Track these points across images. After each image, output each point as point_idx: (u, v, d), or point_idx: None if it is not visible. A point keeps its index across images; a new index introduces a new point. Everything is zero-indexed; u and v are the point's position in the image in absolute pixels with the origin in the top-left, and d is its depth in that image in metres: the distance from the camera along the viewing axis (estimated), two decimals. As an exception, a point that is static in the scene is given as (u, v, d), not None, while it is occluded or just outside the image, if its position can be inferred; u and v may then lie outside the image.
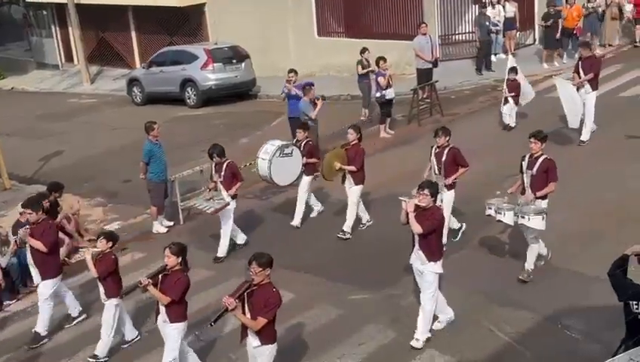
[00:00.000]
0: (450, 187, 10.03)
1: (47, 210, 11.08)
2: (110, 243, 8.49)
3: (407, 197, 8.02)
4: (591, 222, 10.61)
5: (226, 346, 8.47)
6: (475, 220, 10.49)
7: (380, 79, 15.61)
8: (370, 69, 16.78)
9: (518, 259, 9.47)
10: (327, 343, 8.39)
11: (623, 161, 12.69)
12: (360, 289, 9.52)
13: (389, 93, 15.72)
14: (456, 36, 22.12)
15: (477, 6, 20.86)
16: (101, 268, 8.34)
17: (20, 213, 10.28)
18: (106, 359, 8.60)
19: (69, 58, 30.23)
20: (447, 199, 10.03)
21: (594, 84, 13.61)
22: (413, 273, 8.25)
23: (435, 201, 7.98)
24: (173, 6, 25.03)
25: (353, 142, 10.97)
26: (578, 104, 13.56)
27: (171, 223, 12.64)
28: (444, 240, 10.16)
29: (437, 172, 10.00)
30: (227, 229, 10.99)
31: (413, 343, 8.05)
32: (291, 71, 15.19)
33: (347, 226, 11.15)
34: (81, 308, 9.72)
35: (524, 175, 9.19)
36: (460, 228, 10.54)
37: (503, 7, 20.98)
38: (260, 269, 6.67)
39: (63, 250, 11.30)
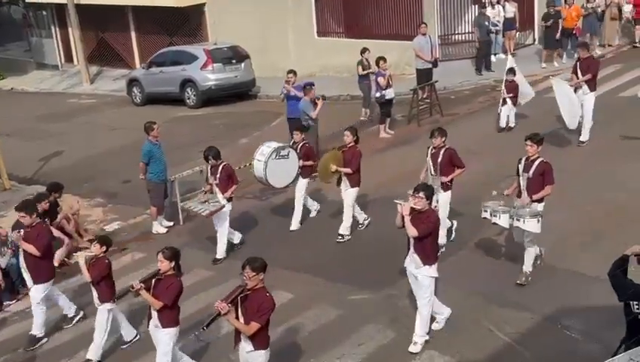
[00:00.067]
0: (446, 188, 10.01)
1: (46, 211, 11.16)
2: (104, 248, 8.44)
3: (403, 200, 8.00)
4: (591, 222, 10.60)
5: (225, 347, 8.43)
6: (474, 221, 10.46)
7: (380, 79, 15.61)
8: (370, 70, 16.77)
9: (518, 260, 9.46)
10: (326, 343, 8.39)
11: (623, 161, 12.68)
12: (359, 289, 9.52)
13: (389, 93, 15.72)
14: (456, 36, 22.13)
15: (477, 6, 20.87)
16: (94, 272, 8.28)
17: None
18: None
19: (69, 58, 30.23)
20: (443, 200, 10.02)
21: (592, 84, 13.58)
22: (408, 277, 8.20)
23: (430, 204, 7.94)
24: (172, 6, 25.03)
25: (350, 144, 10.95)
26: (576, 105, 13.52)
27: (171, 223, 12.64)
28: (443, 240, 10.22)
29: (433, 173, 9.98)
30: (224, 231, 10.98)
31: (412, 348, 8.02)
32: (290, 72, 15.17)
33: (344, 229, 11.13)
34: (76, 307, 9.70)
35: (521, 178, 9.17)
36: (452, 226, 10.48)
37: (503, 7, 21.00)
38: (254, 274, 6.62)
39: (62, 251, 11.31)
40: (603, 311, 7.90)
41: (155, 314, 7.43)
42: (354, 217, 11.24)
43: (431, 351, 8.01)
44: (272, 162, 11.25)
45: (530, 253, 9.17)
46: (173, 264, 7.39)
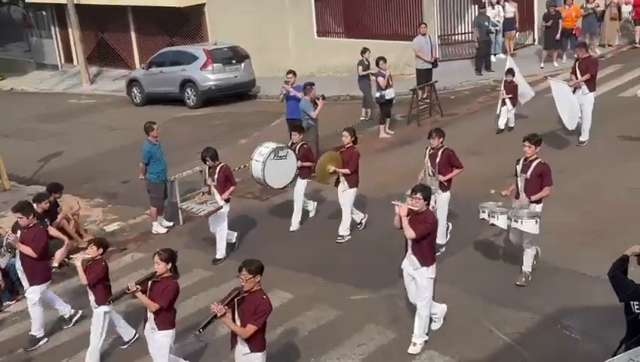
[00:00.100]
0: (445, 188, 10.00)
1: (46, 211, 11.16)
2: (101, 250, 8.37)
3: (401, 201, 7.98)
4: (591, 222, 10.60)
5: (226, 347, 8.44)
6: (474, 221, 10.43)
7: (380, 79, 15.61)
8: (370, 71, 16.76)
9: (518, 260, 9.44)
10: (326, 343, 8.39)
11: (623, 161, 12.69)
12: (359, 289, 9.52)
13: (389, 94, 15.73)
14: (456, 36, 22.14)
15: (476, 6, 20.88)
16: (91, 275, 8.22)
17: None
18: None
19: (69, 59, 30.25)
20: (442, 200, 10.02)
21: (591, 84, 13.57)
22: (404, 278, 8.17)
23: (428, 205, 7.92)
24: (172, 6, 25.05)
25: (348, 145, 10.94)
26: (575, 105, 13.50)
27: (171, 224, 12.64)
28: (443, 240, 10.22)
29: (431, 173, 9.97)
30: (222, 232, 10.96)
31: (411, 349, 8.01)
32: (290, 72, 15.17)
33: (344, 230, 11.12)
34: (70, 306, 9.67)
35: (519, 178, 9.14)
36: (447, 228, 10.46)
37: (503, 7, 21.02)
38: (250, 276, 6.57)
39: (62, 251, 11.30)
40: (603, 311, 7.90)
41: (151, 316, 7.39)
42: (352, 218, 11.24)
43: (431, 351, 8.01)
44: (271, 163, 11.23)
45: (529, 254, 9.16)
46: (169, 266, 7.34)
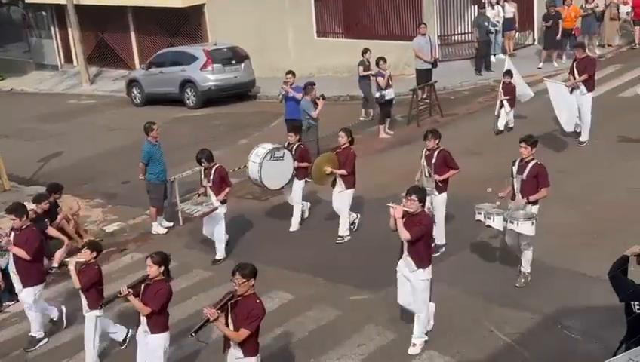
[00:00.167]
0: (441, 190, 9.99)
1: (46, 212, 11.16)
2: (94, 254, 8.29)
3: (396, 203, 7.96)
4: (591, 222, 10.60)
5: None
6: (473, 221, 10.44)
7: (380, 79, 15.61)
8: (370, 72, 16.75)
9: (518, 260, 9.44)
10: (326, 343, 8.38)
11: (623, 161, 12.69)
12: (359, 289, 9.51)
13: (389, 94, 15.73)
14: (456, 37, 22.14)
15: (476, 6, 20.88)
16: (84, 278, 8.13)
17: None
18: None
19: (69, 59, 30.25)
20: (439, 202, 10.02)
21: (590, 85, 13.56)
22: (397, 279, 8.12)
23: (423, 207, 7.90)
24: (172, 7, 25.05)
25: (344, 146, 10.91)
26: (573, 107, 13.47)
27: (170, 224, 12.63)
28: (443, 241, 10.22)
29: (427, 174, 9.96)
30: (220, 233, 10.93)
31: (411, 350, 8.00)
32: (289, 72, 15.17)
33: (343, 230, 11.11)
34: (57, 308, 9.61)
35: (514, 179, 9.12)
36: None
37: (502, 7, 21.02)
38: (244, 280, 6.50)
39: (62, 251, 11.31)
40: (603, 311, 7.90)
41: (144, 319, 7.33)
42: (336, 221, 11.18)
43: (431, 351, 8.01)
44: (267, 164, 11.20)
45: (527, 256, 9.14)
46: (162, 269, 7.28)
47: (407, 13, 21.57)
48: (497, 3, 20.83)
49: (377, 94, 15.89)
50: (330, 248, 10.96)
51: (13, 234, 9.05)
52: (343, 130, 11.04)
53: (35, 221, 10.59)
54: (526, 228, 8.76)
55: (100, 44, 28.89)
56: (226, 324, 6.56)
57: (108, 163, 16.64)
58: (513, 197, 9.14)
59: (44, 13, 30.75)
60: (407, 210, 7.70)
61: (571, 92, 13.53)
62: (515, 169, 9.15)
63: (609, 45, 21.33)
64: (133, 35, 27.82)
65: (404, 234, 7.65)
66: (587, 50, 17.01)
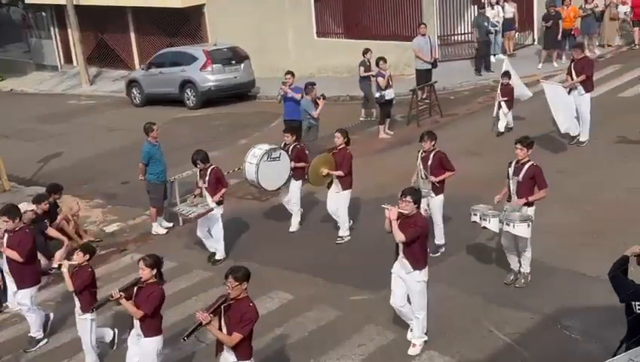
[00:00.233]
0: (438, 191, 9.97)
1: (46, 212, 11.16)
2: (87, 256, 8.22)
3: (391, 204, 7.94)
4: (591, 222, 10.60)
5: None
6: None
7: (380, 80, 15.62)
8: (370, 72, 16.75)
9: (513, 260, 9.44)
10: (326, 344, 8.38)
11: (623, 161, 12.69)
12: (359, 290, 9.50)
13: (389, 94, 15.73)
14: (456, 37, 22.15)
15: (476, 7, 20.88)
16: (77, 281, 8.07)
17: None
18: None
19: (68, 59, 30.26)
20: (436, 203, 10.00)
21: (588, 85, 13.54)
22: (392, 280, 8.08)
23: (418, 208, 7.87)
24: (172, 7, 25.05)
25: (340, 146, 10.88)
26: (570, 108, 13.44)
27: (170, 224, 12.63)
28: (443, 241, 10.22)
29: (423, 176, 9.95)
30: (219, 233, 10.90)
31: (411, 351, 8.00)
32: (288, 73, 15.16)
33: (343, 231, 11.11)
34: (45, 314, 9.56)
35: (510, 181, 9.09)
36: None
37: (502, 7, 21.02)
38: (237, 283, 6.45)
39: (62, 252, 11.29)
40: (603, 311, 7.90)
41: (137, 323, 7.29)
42: (335, 221, 11.18)
43: (431, 351, 8.01)
44: (264, 164, 11.15)
45: (527, 257, 9.13)
46: (154, 272, 7.23)
47: (406, 14, 21.57)
48: (497, 3, 20.84)
49: (377, 94, 15.89)
50: (330, 248, 10.96)
51: (6, 236, 8.97)
52: (339, 131, 11.00)
53: (35, 221, 10.63)
54: (522, 230, 8.74)
55: (100, 45, 28.90)
56: (219, 328, 6.51)
57: (108, 163, 16.64)
58: (509, 199, 9.12)
59: (43, 13, 30.76)
60: (402, 211, 7.68)
61: (569, 93, 13.52)
62: (511, 170, 9.10)
63: (609, 45, 21.33)
64: (133, 35, 27.82)
65: (399, 236, 7.63)
66: (587, 51, 17.03)
